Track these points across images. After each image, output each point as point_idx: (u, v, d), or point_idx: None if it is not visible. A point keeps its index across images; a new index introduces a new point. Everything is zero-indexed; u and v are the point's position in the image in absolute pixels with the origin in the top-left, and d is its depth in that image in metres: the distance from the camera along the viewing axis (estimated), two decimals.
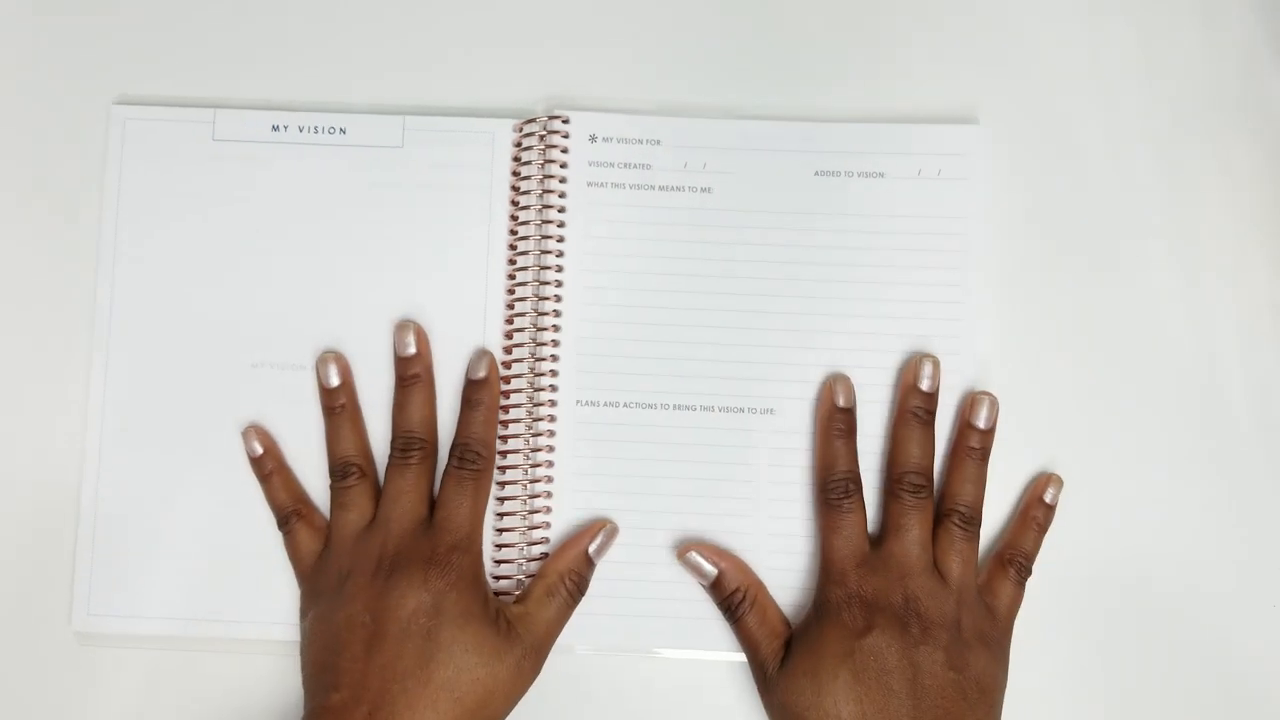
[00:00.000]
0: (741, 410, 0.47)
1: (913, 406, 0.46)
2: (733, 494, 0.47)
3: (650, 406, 0.47)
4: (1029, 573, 0.46)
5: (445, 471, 0.45)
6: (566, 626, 0.45)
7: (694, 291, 0.48)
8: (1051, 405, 0.48)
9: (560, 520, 0.47)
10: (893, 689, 0.41)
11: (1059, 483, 0.47)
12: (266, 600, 0.46)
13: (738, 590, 0.45)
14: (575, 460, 0.47)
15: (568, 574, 0.45)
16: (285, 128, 0.48)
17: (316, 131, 0.48)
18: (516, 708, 0.43)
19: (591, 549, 0.45)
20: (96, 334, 0.48)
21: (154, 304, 0.48)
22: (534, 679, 0.44)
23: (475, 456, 0.45)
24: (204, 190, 0.48)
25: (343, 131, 0.48)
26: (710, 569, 0.45)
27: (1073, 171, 0.49)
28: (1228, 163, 0.49)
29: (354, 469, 0.46)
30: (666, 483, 0.47)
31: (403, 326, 0.47)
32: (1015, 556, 0.45)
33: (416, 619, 0.42)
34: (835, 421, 0.46)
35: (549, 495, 0.47)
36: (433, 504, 0.45)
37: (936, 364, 0.46)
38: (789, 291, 0.47)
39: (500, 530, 0.47)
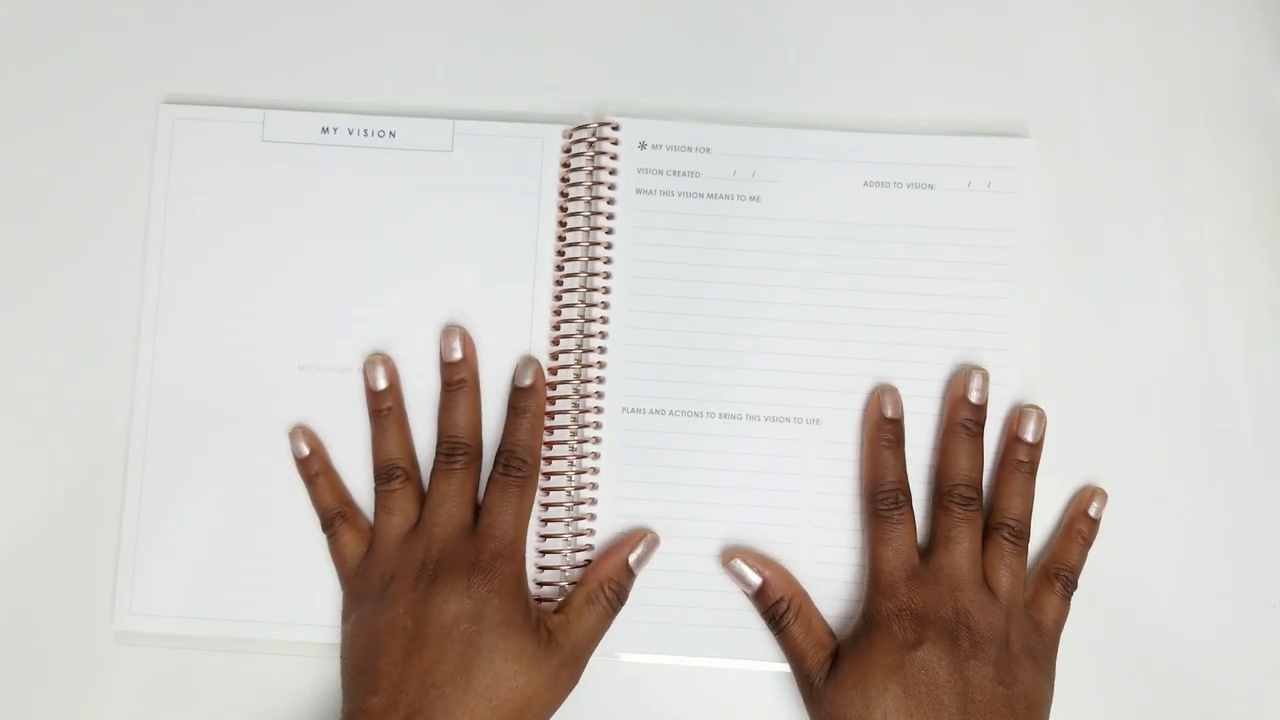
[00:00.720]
0: (788, 420, 0.47)
1: (962, 419, 0.46)
2: (777, 504, 0.47)
3: (696, 415, 0.47)
4: (1075, 587, 0.45)
5: (490, 478, 0.45)
6: (608, 634, 0.45)
7: (741, 300, 0.47)
8: (1094, 419, 0.48)
9: (605, 527, 0.46)
10: (943, 703, 0.41)
11: (1104, 496, 0.47)
12: (309, 602, 0.46)
13: (782, 600, 0.45)
14: (620, 467, 0.47)
15: (607, 582, 0.45)
16: (335, 130, 0.48)
17: (366, 134, 0.48)
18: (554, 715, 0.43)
19: (632, 559, 0.45)
20: (143, 334, 0.48)
21: (201, 305, 0.48)
22: (572, 688, 0.44)
23: (520, 464, 0.45)
24: (252, 191, 0.48)
25: (392, 135, 0.48)
26: (755, 578, 0.45)
27: (1120, 186, 0.49)
28: (1226, 155, 0.49)
29: (399, 472, 0.46)
30: (711, 491, 0.47)
31: (449, 331, 0.47)
32: (1061, 570, 0.45)
33: (458, 625, 0.41)
34: (883, 432, 0.46)
35: (594, 502, 0.46)
36: (478, 510, 0.45)
37: (986, 376, 0.46)
38: (836, 302, 0.47)
39: (545, 537, 0.46)
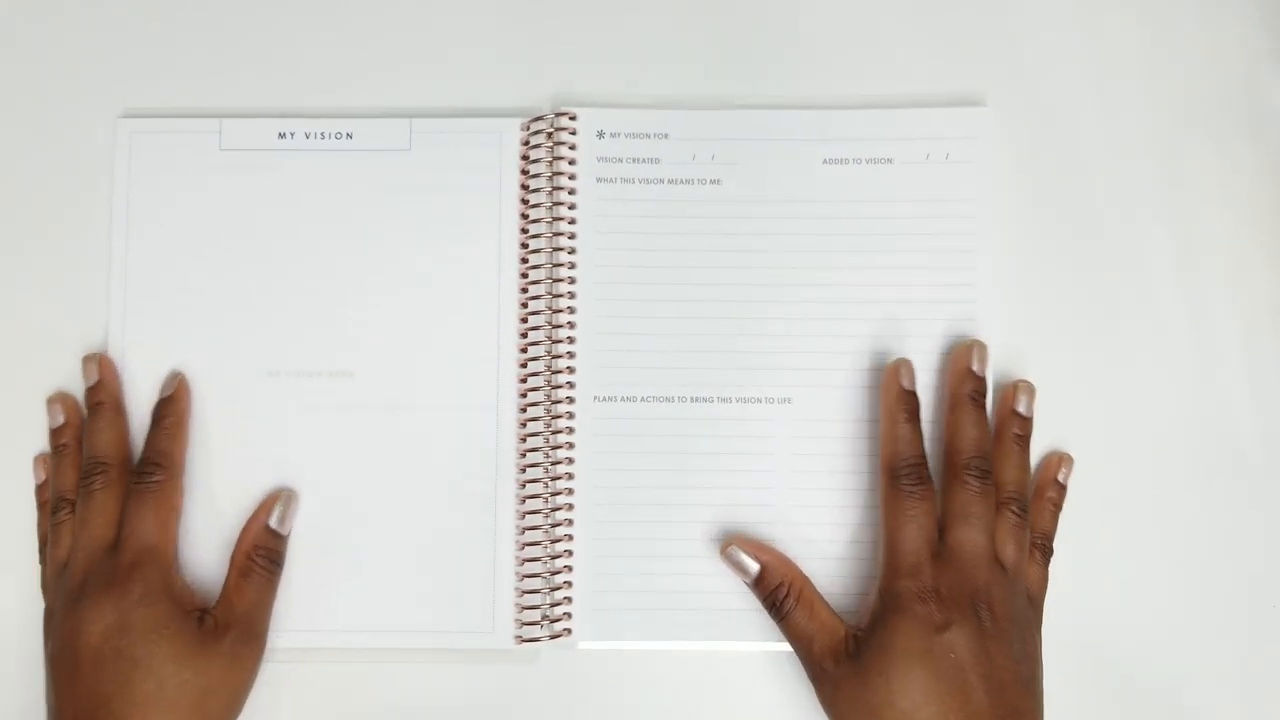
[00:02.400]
0: (759, 400, 0.47)
1: (969, 391, 0.45)
2: (753, 484, 0.47)
3: (667, 400, 0.47)
4: (1051, 553, 0.46)
5: (128, 490, 0.45)
6: (591, 622, 0.45)
7: (706, 283, 0.48)
8: (1058, 389, 0.48)
9: (582, 517, 0.47)
10: (972, 686, 0.40)
11: (1070, 461, 0.47)
12: (285, 607, 0.46)
13: (782, 585, 0.44)
14: (594, 456, 0.47)
15: (253, 551, 0.45)
16: (292, 135, 0.48)
17: (323, 137, 0.48)
18: (535, 701, 0.44)
19: (272, 521, 0.45)
20: (110, 347, 0.48)
21: (167, 315, 0.48)
22: (256, 663, 0.44)
23: (154, 468, 0.45)
24: (213, 200, 0.48)
25: (349, 136, 0.48)
26: (753, 564, 0.45)
27: (1075, 156, 0.49)
28: (1226, 157, 0.49)
29: (64, 504, 0.45)
30: (686, 475, 0.47)
31: (86, 360, 0.47)
32: (1037, 539, 0.45)
33: (108, 641, 0.42)
34: (902, 405, 0.45)
35: (570, 493, 0.47)
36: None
37: (985, 348, 0.46)
38: (801, 280, 0.48)
39: (525, 529, 0.47)
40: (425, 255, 0.48)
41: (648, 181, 0.48)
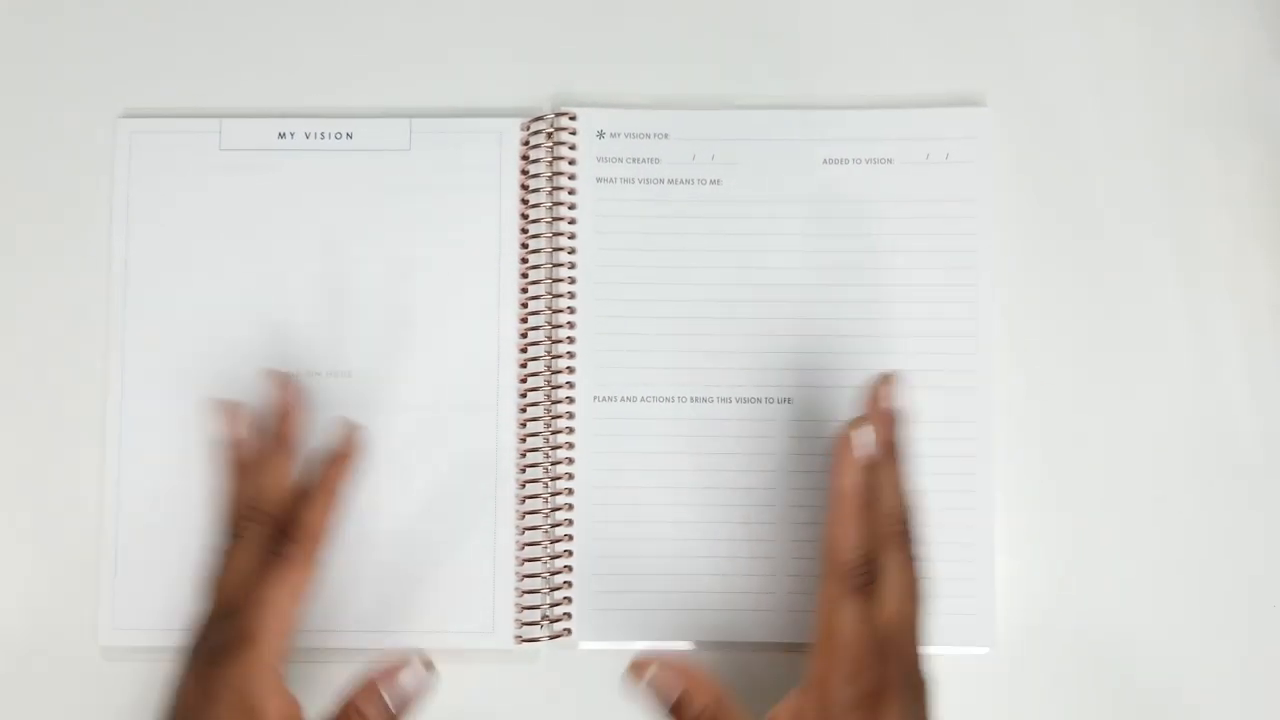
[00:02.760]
0: (759, 401, 0.47)
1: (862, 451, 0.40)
2: (752, 484, 0.47)
3: (667, 400, 0.47)
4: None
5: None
6: (591, 622, 0.45)
7: (706, 284, 0.48)
8: (1058, 389, 0.48)
9: (581, 517, 0.47)
10: None
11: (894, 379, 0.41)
12: None
13: (704, 711, 0.39)
14: (595, 456, 0.47)
15: (354, 714, 0.39)
16: (292, 134, 0.48)
17: (323, 137, 0.48)
18: (535, 701, 0.44)
19: (386, 686, 0.39)
20: (111, 346, 0.48)
21: (168, 315, 0.48)
22: None
23: (311, 543, 0.42)
24: (213, 200, 0.48)
25: (349, 136, 0.48)
26: (672, 692, 0.39)
27: (1075, 156, 0.49)
28: (1226, 157, 0.49)
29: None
30: (685, 475, 0.47)
31: (283, 382, 0.44)
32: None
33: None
34: (860, 493, 0.40)
35: (570, 493, 0.47)
36: None
37: (892, 380, 0.41)
38: (800, 280, 0.48)
39: (525, 529, 0.47)
40: (425, 255, 0.48)
41: (648, 181, 0.48)
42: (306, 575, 0.41)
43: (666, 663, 0.39)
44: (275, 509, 0.42)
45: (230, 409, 0.44)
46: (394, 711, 0.39)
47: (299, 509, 0.42)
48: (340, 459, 0.44)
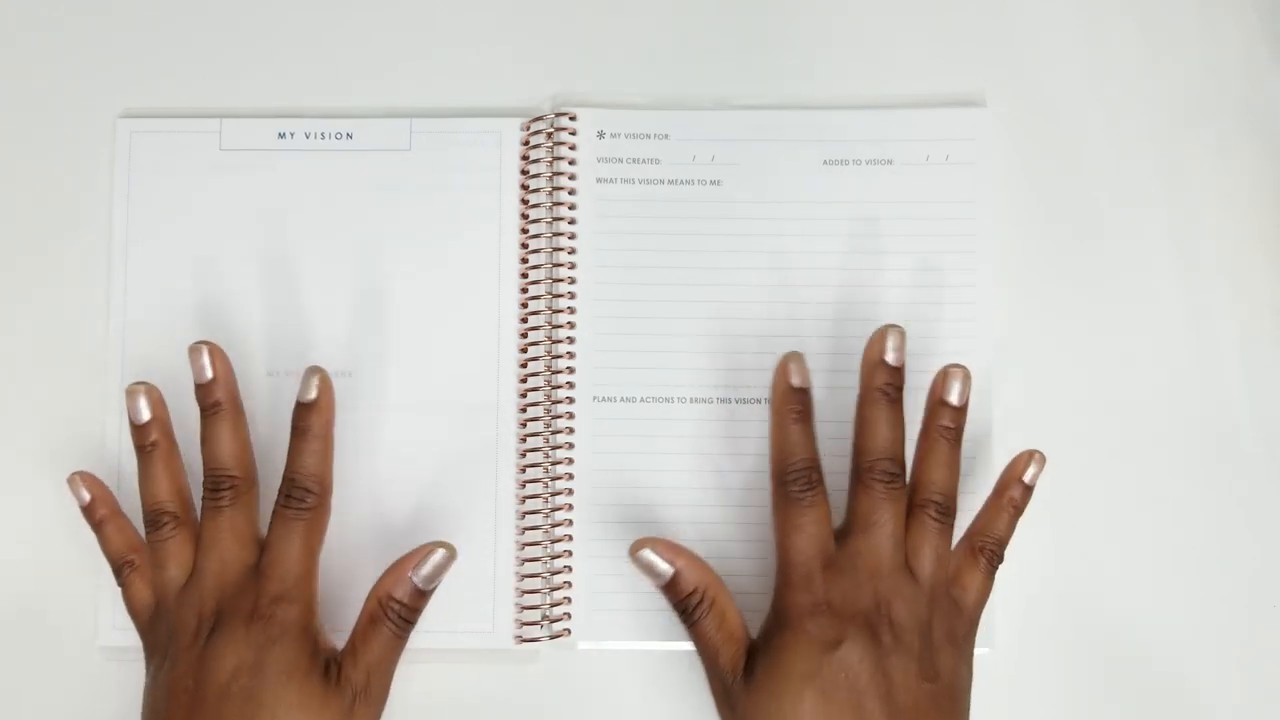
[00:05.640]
0: (759, 401, 0.47)
1: (881, 384, 0.41)
2: (753, 485, 0.47)
3: (667, 400, 0.47)
4: (1001, 560, 0.42)
5: (274, 510, 0.42)
6: (591, 622, 0.45)
7: (706, 284, 0.48)
8: (1058, 388, 0.48)
9: (581, 518, 0.47)
10: (865, 708, 0.37)
11: (1041, 460, 0.43)
12: None
13: (695, 591, 0.41)
14: (595, 456, 0.47)
15: (388, 601, 0.41)
16: (292, 134, 0.48)
17: (323, 137, 0.48)
18: (535, 701, 0.44)
19: (416, 577, 0.41)
20: (111, 346, 0.48)
21: (167, 316, 0.48)
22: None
23: (304, 494, 0.41)
24: (213, 200, 0.48)
25: (349, 136, 0.48)
26: (665, 568, 0.41)
27: (1075, 156, 0.49)
28: (1226, 157, 0.49)
29: (167, 518, 0.42)
30: (685, 476, 0.47)
31: (196, 349, 0.42)
32: (987, 544, 0.42)
33: (237, 680, 0.39)
34: (791, 403, 0.41)
35: (570, 493, 0.47)
36: (261, 546, 0.42)
37: (902, 334, 0.42)
38: (800, 281, 0.48)
39: (525, 529, 0.47)
40: (425, 255, 0.48)
41: (648, 182, 0.48)
42: (325, 522, 0.42)
43: (661, 540, 0.41)
44: (246, 467, 0.43)
45: (139, 390, 0.43)
46: (422, 589, 0.41)
47: (298, 461, 0.42)
48: (319, 405, 0.42)
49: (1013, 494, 0.42)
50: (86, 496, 0.44)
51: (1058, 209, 0.49)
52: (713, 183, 0.48)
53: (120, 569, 0.43)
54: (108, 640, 0.46)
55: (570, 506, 0.47)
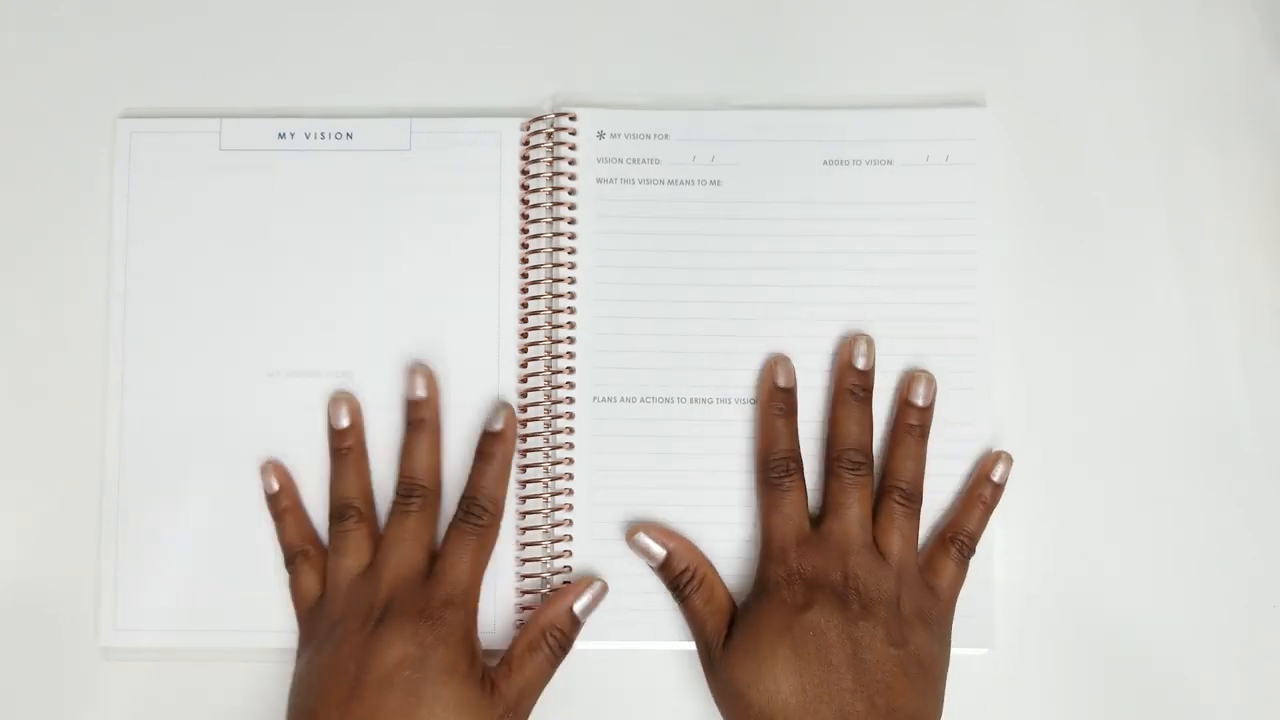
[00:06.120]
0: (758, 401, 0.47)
1: (849, 385, 0.46)
2: (751, 484, 0.47)
3: (666, 400, 0.47)
4: (972, 551, 0.45)
5: (450, 523, 0.45)
6: (591, 623, 0.45)
7: (706, 284, 0.48)
8: (1058, 388, 0.48)
9: (581, 518, 0.47)
10: (832, 663, 0.41)
11: (1009, 460, 0.46)
12: (280, 607, 0.46)
13: (686, 570, 0.45)
14: (595, 456, 0.47)
15: (549, 630, 0.44)
16: (291, 135, 0.48)
17: (323, 137, 0.48)
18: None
19: (578, 607, 0.45)
20: (110, 348, 0.48)
21: (167, 316, 0.48)
22: None
23: (481, 511, 0.45)
24: (213, 200, 0.48)
25: (349, 136, 0.48)
26: (659, 550, 0.45)
27: (1075, 156, 0.49)
28: (1226, 157, 0.49)
29: (353, 512, 0.45)
30: (685, 475, 0.47)
31: (414, 370, 0.46)
32: (959, 535, 0.45)
33: (401, 671, 0.41)
34: (775, 401, 0.46)
35: (570, 493, 0.47)
36: (434, 555, 0.45)
37: (871, 342, 0.46)
38: (800, 282, 0.48)
39: (524, 530, 0.47)
40: (425, 255, 0.48)
41: (648, 182, 0.48)
42: (494, 540, 0.45)
43: (655, 525, 0.46)
44: (436, 481, 0.46)
45: (342, 400, 0.47)
46: (580, 619, 0.45)
47: (480, 482, 0.45)
48: (504, 435, 0.46)
49: (983, 492, 0.46)
50: (275, 486, 0.46)
51: (1058, 209, 0.49)
52: (713, 183, 0.48)
53: (294, 558, 0.46)
54: (108, 640, 0.46)
55: (570, 507, 0.47)
